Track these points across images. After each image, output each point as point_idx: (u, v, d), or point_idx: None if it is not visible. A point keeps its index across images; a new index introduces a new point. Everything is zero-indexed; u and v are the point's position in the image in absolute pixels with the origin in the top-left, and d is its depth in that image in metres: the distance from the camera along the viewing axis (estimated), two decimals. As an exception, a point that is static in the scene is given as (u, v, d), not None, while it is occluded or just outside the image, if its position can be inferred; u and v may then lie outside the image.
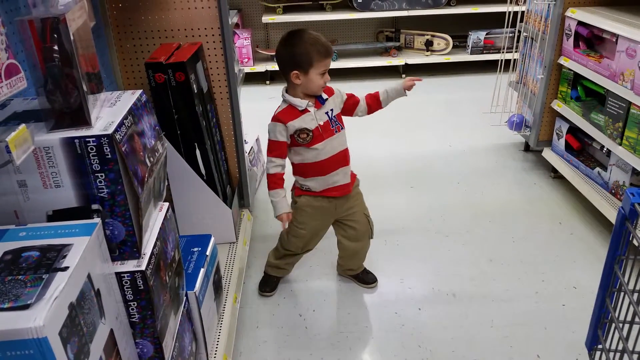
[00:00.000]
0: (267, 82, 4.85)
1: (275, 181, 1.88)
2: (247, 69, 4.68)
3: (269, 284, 2.16)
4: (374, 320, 2.02)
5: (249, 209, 2.46)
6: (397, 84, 1.98)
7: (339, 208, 1.98)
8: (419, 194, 2.90)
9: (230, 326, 1.78)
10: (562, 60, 2.72)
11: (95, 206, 1.02)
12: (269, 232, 2.55)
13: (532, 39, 2.96)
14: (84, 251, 0.89)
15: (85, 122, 0.99)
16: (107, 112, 1.06)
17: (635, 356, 0.95)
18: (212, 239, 1.71)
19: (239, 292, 2.00)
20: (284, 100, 1.85)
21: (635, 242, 0.98)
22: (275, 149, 1.86)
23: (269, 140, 1.86)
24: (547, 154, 2.97)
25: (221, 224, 2.12)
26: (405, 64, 4.89)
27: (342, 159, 1.91)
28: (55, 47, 0.92)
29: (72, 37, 0.94)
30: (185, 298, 1.43)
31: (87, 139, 0.96)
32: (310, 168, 1.88)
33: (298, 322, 2.02)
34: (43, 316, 0.74)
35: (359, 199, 2.05)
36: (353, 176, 2.00)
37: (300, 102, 1.81)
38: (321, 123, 1.83)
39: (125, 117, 1.04)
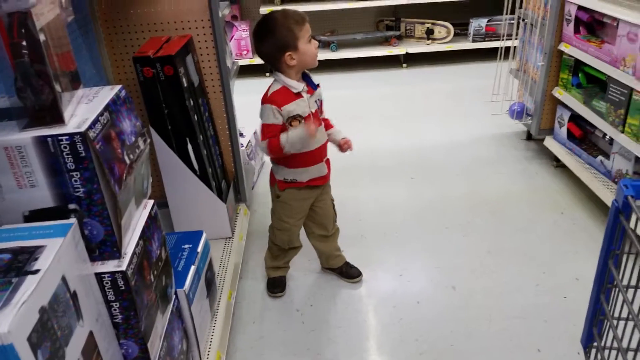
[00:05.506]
0: (267, 74, 4.80)
1: (273, 142, 1.75)
2: (246, 61, 4.64)
3: (277, 285, 2.11)
4: (372, 314, 1.99)
5: (245, 204, 2.43)
6: (337, 136, 1.94)
7: (317, 196, 1.96)
8: (419, 185, 2.86)
9: (224, 323, 1.76)
10: (563, 47, 2.66)
11: (72, 206, 1.00)
12: (267, 226, 2.52)
13: (532, 25, 2.90)
14: (57, 253, 0.87)
15: (59, 119, 0.96)
16: (83, 109, 1.03)
17: (630, 354, 0.92)
18: (204, 235, 1.68)
19: (234, 288, 1.98)
20: (277, 81, 1.78)
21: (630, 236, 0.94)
22: (270, 131, 1.75)
23: (262, 125, 1.77)
24: (549, 142, 2.92)
25: (216, 219, 2.10)
26: (406, 53, 4.83)
27: (325, 148, 1.90)
28: (24, 43, 0.89)
29: (40, 32, 0.90)
30: (174, 296, 1.41)
31: (60, 137, 0.93)
32: (302, 158, 1.83)
33: (295, 317, 2.00)
34: (8, 322, 0.72)
35: (329, 184, 2.03)
36: (328, 163, 1.97)
37: (297, 85, 1.76)
38: (312, 111, 1.80)
39: (100, 114, 1.01)
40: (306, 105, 1.77)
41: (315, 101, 1.82)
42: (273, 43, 1.71)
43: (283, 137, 1.74)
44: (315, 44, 1.77)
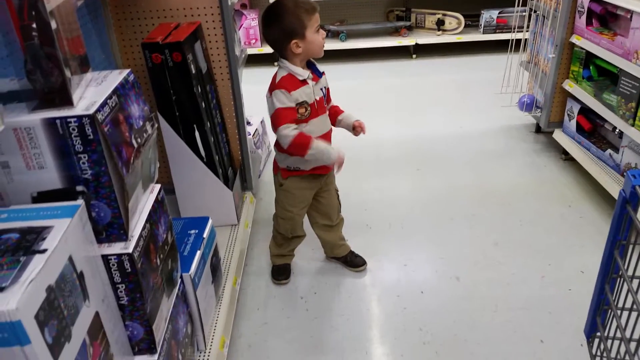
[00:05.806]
0: (275, 63, 4.79)
1: (303, 139, 1.72)
2: (255, 50, 4.63)
3: (281, 273, 2.12)
4: (376, 303, 2.00)
5: (251, 192, 2.44)
6: (350, 119, 1.91)
7: (321, 185, 1.96)
8: (425, 177, 2.85)
9: (229, 308, 1.78)
10: (574, 39, 2.63)
11: (79, 188, 1.00)
12: (272, 214, 2.53)
13: (544, 17, 2.87)
14: (64, 233, 0.88)
15: (68, 102, 0.97)
16: (92, 92, 1.03)
17: (633, 344, 0.92)
18: (210, 221, 1.69)
19: (239, 275, 1.99)
20: (283, 68, 1.77)
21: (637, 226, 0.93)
22: (287, 115, 1.71)
23: (278, 109, 1.72)
24: (558, 135, 2.90)
25: (222, 206, 2.11)
26: (416, 44, 4.79)
27: (329, 137, 1.89)
28: (34, 25, 0.90)
29: (50, 15, 0.91)
30: (180, 280, 1.42)
31: (69, 119, 0.94)
32: None
33: (299, 305, 2.01)
34: (17, 299, 0.73)
35: (333, 174, 2.02)
36: None
37: (302, 72, 1.75)
38: (317, 98, 1.79)
39: (109, 97, 1.02)
40: (311, 92, 1.77)
41: (321, 89, 1.82)
42: (280, 29, 1.71)
43: (316, 142, 1.72)
44: (323, 34, 1.76)
